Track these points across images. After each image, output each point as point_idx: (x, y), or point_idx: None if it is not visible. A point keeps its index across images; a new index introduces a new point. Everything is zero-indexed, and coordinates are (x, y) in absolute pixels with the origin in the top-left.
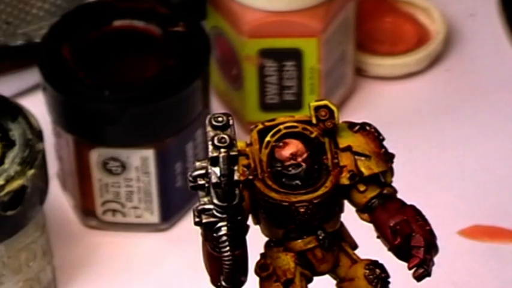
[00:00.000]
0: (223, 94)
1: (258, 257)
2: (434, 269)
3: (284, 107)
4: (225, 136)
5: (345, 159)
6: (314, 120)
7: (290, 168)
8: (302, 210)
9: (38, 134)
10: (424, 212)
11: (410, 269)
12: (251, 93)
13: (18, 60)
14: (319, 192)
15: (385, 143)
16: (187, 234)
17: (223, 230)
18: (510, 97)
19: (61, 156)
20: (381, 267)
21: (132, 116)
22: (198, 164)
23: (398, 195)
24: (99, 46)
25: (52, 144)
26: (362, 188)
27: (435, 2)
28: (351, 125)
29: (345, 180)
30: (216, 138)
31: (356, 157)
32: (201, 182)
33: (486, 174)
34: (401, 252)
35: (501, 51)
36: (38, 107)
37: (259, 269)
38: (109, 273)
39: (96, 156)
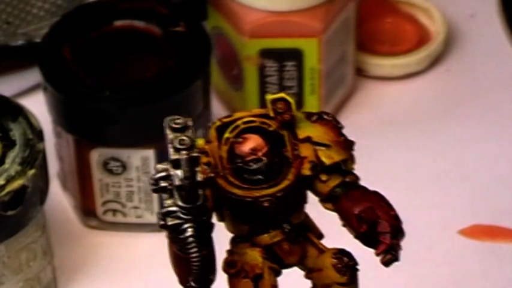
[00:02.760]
0: (223, 94)
1: (225, 254)
2: (434, 269)
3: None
4: (185, 138)
5: (305, 150)
6: (272, 114)
7: (251, 163)
8: (266, 204)
9: (39, 134)
10: (424, 212)
11: (378, 255)
12: (251, 93)
13: (19, 60)
14: (282, 185)
15: (385, 142)
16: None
17: (189, 231)
18: (510, 97)
19: (61, 156)
20: (348, 255)
21: (133, 116)
22: (159, 166)
23: (398, 195)
24: (100, 46)
25: (52, 144)
26: (324, 177)
27: (435, 3)
28: (308, 115)
29: (306, 171)
30: (176, 140)
31: (316, 147)
32: (163, 184)
33: (486, 174)
34: (368, 239)
35: (501, 51)
36: (38, 107)
37: (227, 266)
38: (109, 273)
39: (96, 156)
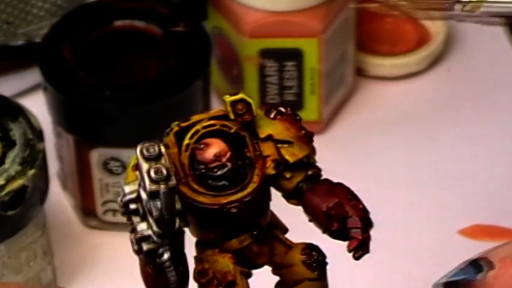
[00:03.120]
0: (223, 94)
1: (192, 260)
2: (434, 269)
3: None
4: (161, 167)
5: (267, 149)
6: (232, 116)
7: (215, 170)
8: (234, 211)
9: (39, 134)
10: (424, 212)
11: (350, 251)
12: (251, 93)
13: (19, 60)
14: (249, 189)
15: (385, 142)
16: (186, 233)
17: (166, 255)
18: (510, 97)
19: (61, 156)
20: (317, 249)
21: (133, 116)
22: (127, 188)
23: (398, 195)
24: (100, 46)
25: (52, 144)
26: (288, 174)
27: None
28: (267, 112)
29: (270, 170)
30: (152, 171)
31: (278, 145)
32: (133, 206)
33: (486, 174)
34: (338, 234)
35: (501, 51)
36: (38, 107)
37: (198, 275)
38: (109, 273)
39: (96, 156)
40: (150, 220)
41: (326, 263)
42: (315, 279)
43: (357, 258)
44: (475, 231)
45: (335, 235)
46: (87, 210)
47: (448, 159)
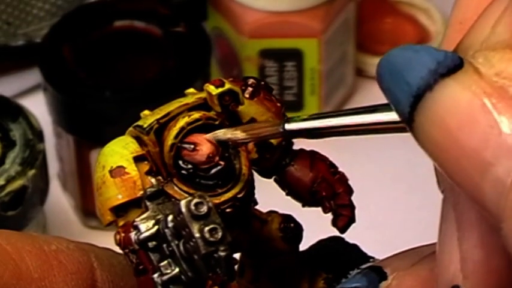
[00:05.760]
0: None
1: None
2: None
3: (284, 107)
4: (216, 227)
5: None
6: (219, 109)
7: (208, 170)
8: (229, 210)
9: (39, 135)
10: (424, 212)
11: (338, 227)
12: None
13: (19, 61)
14: (241, 183)
15: (384, 142)
16: None
17: None
18: None
19: (62, 157)
20: (293, 220)
21: (133, 117)
22: (143, 226)
23: (398, 195)
24: (100, 46)
25: (53, 144)
26: (268, 154)
27: (435, 3)
28: (243, 91)
29: (253, 155)
30: (205, 231)
31: None
32: (151, 244)
33: None
34: (317, 205)
35: None
36: (38, 107)
37: None
38: None
39: (96, 156)
40: (183, 265)
41: (302, 234)
42: (291, 252)
43: (343, 231)
44: None
45: (314, 205)
46: (87, 211)
47: None
